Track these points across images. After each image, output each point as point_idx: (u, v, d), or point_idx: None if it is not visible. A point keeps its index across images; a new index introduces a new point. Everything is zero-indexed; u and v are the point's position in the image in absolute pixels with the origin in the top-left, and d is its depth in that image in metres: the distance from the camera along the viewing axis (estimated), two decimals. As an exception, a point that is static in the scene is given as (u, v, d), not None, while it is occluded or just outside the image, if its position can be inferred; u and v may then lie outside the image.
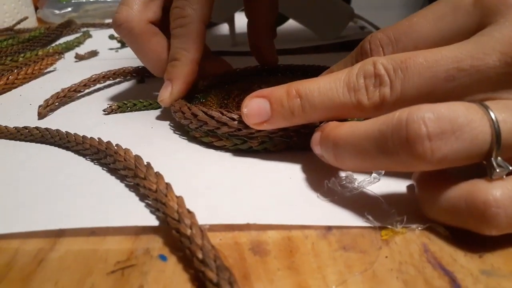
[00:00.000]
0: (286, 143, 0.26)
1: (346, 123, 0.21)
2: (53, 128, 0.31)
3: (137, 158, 0.23)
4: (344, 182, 0.22)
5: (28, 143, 0.30)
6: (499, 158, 0.17)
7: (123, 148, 0.24)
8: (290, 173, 0.24)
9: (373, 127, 0.19)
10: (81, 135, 0.28)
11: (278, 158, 0.26)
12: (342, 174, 0.23)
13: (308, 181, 0.23)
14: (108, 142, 0.25)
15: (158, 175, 0.21)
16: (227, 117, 0.26)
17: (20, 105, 0.38)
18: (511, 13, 0.19)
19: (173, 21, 0.31)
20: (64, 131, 0.29)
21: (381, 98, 0.20)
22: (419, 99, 0.20)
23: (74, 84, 0.38)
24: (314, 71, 0.37)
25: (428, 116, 0.17)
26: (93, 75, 0.40)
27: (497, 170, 0.17)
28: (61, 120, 0.34)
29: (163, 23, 0.33)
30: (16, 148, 0.29)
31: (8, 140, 0.31)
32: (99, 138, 0.26)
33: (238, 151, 0.27)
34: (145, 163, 0.22)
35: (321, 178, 0.23)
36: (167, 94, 0.31)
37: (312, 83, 0.22)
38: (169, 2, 0.33)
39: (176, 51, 0.31)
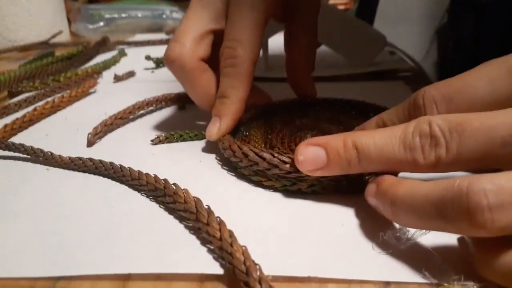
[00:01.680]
0: (335, 186, 0.27)
1: (404, 182, 0.21)
2: (103, 157, 0.32)
3: (198, 201, 0.24)
4: (398, 234, 0.23)
5: (81, 173, 0.31)
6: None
7: (181, 187, 0.26)
8: (342, 219, 0.25)
9: (434, 192, 0.19)
10: (136, 169, 0.29)
11: (327, 200, 0.27)
12: (396, 225, 0.24)
13: (361, 229, 0.24)
14: (166, 181, 0.26)
15: (221, 222, 0.22)
16: (278, 159, 0.27)
17: (67, 129, 0.39)
18: None
19: (223, 60, 0.32)
20: (118, 165, 0.30)
21: (437, 159, 0.21)
22: (474, 161, 0.21)
23: (120, 111, 0.39)
24: (352, 105, 0.38)
25: (489, 188, 0.18)
26: (137, 102, 0.41)
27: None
28: (109, 149, 0.35)
29: (212, 58, 0.35)
30: (71, 178, 0.31)
31: (62, 169, 0.32)
32: (155, 176, 0.28)
33: (287, 192, 0.28)
34: (206, 207, 0.23)
35: (373, 225, 0.24)
36: (215, 130, 0.32)
37: (368, 137, 0.23)
38: (218, 38, 0.34)
39: (225, 89, 0.32)
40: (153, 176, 0.28)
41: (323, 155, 0.24)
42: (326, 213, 0.26)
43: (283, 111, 0.39)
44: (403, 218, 0.21)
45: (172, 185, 0.26)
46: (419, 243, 0.22)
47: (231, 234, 0.21)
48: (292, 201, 0.27)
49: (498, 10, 0.58)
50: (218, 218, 0.22)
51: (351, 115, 0.37)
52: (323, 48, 0.56)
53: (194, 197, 0.24)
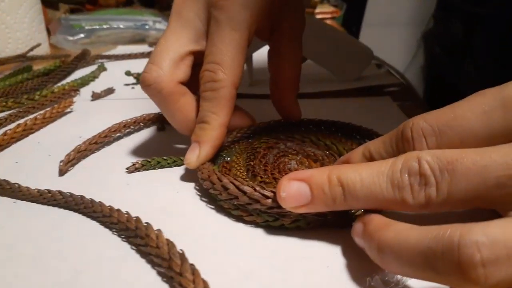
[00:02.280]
0: (320, 221, 0.25)
1: (392, 226, 0.20)
2: (75, 188, 0.30)
3: (171, 245, 0.22)
4: (386, 278, 0.21)
5: (51, 207, 0.29)
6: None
7: (153, 228, 0.24)
8: (327, 260, 0.23)
9: (423, 241, 0.18)
10: (109, 203, 0.27)
11: (312, 237, 0.25)
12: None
13: (347, 271, 0.22)
14: (138, 220, 0.25)
15: (194, 272, 0.20)
16: (260, 193, 0.25)
17: (39, 156, 0.37)
18: None
19: (203, 84, 0.31)
20: (89, 199, 0.28)
21: (427, 199, 0.20)
22: (466, 202, 0.19)
23: (94, 135, 0.37)
24: (338, 127, 0.37)
25: (482, 241, 0.16)
26: (113, 125, 0.39)
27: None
28: (82, 178, 0.33)
29: (192, 80, 0.33)
30: (39, 214, 0.28)
31: (30, 203, 0.30)
32: (127, 213, 0.26)
33: (269, 228, 0.26)
34: (179, 252, 0.22)
35: (361, 266, 0.22)
36: (193, 157, 0.30)
37: (355, 173, 0.22)
38: (199, 59, 0.33)
39: (205, 114, 0.30)
40: (125, 213, 0.26)
41: (306, 191, 0.23)
42: (311, 252, 0.24)
43: (268, 133, 0.37)
44: (390, 265, 0.20)
45: (144, 225, 0.24)
46: (409, 287, 0.21)
47: (205, 287, 0.19)
48: (275, 239, 0.25)
49: (486, 16, 0.57)
50: (192, 267, 0.21)
51: (337, 137, 0.36)
52: (308, 63, 0.55)
53: (167, 240, 0.23)
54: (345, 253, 0.24)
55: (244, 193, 0.26)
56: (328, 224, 0.26)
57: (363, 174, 0.21)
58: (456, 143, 0.21)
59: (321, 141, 0.35)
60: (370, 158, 0.25)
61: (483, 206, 0.20)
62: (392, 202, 0.21)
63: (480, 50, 0.59)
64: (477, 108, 0.21)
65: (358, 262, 0.23)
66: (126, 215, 0.25)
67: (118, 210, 0.26)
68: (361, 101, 0.49)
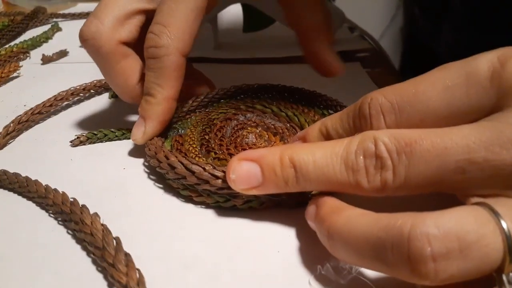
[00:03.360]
0: (274, 201, 0.24)
1: (343, 212, 0.18)
2: (14, 163, 0.28)
3: (106, 233, 0.20)
4: (339, 265, 0.20)
5: (-17, 185, 0.27)
6: (511, 273, 0.15)
7: (90, 212, 0.22)
8: (278, 244, 0.22)
9: (372, 230, 0.16)
10: (47, 181, 0.25)
11: (264, 218, 0.23)
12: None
13: (299, 256, 0.21)
14: (74, 202, 0.22)
15: (129, 263, 0.18)
16: (210, 173, 0.23)
17: (-23, 126, 0.34)
18: None
19: (146, 48, 0.27)
20: (23, 177, 0.25)
21: (383, 183, 0.18)
22: (425, 187, 0.18)
23: (38, 105, 0.34)
24: (302, 95, 0.35)
25: (433, 234, 0.15)
26: (59, 93, 0.36)
27: (508, 287, 0.15)
28: (21, 152, 0.30)
29: (141, 42, 0.30)
30: (-31, 193, 0.26)
31: (-41, 181, 0.27)
32: (63, 194, 0.23)
33: (219, 209, 0.24)
34: (114, 240, 0.20)
35: (313, 251, 0.21)
36: (139, 133, 0.28)
37: (308, 154, 0.20)
38: (151, 18, 0.29)
39: (150, 85, 0.27)
40: (61, 193, 0.23)
41: (257, 172, 0.21)
42: (262, 236, 0.22)
43: (227, 102, 0.34)
44: (339, 253, 0.18)
45: (79, 208, 0.22)
46: (361, 276, 0.19)
47: (139, 281, 0.18)
48: (224, 222, 0.23)
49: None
50: (126, 257, 0.19)
51: (300, 106, 0.34)
52: (276, 25, 0.52)
53: (102, 226, 0.21)
54: (298, 236, 0.22)
55: (193, 172, 0.24)
56: (282, 204, 0.24)
57: (316, 154, 0.20)
58: (416, 122, 0.19)
59: (283, 112, 0.33)
60: (327, 135, 0.23)
61: (442, 191, 0.18)
62: (346, 185, 0.19)
63: (458, 12, 0.56)
64: (439, 83, 0.19)
65: (311, 247, 0.21)
66: (61, 196, 0.23)
67: (55, 190, 0.24)
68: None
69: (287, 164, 0.20)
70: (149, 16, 0.30)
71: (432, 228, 0.15)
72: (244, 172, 0.21)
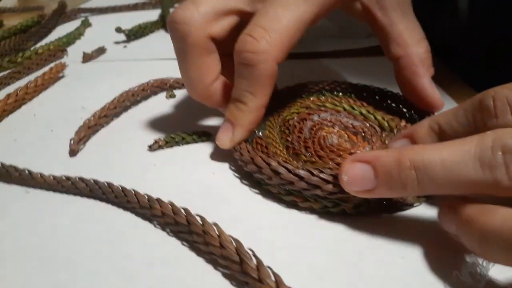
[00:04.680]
0: (383, 206, 0.24)
1: (496, 212, 0.18)
2: (91, 170, 0.27)
3: (239, 245, 0.19)
4: (472, 270, 0.20)
5: (71, 196, 0.26)
6: None
7: (208, 221, 0.21)
8: (400, 250, 0.21)
9: None
10: (139, 189, 0.24)
11: (377, 223, 0.23)
12: (467, 257, 0.20)
13: (426, 262, 0.21)
14: (188, 212, 0.22)
15: (277, 278, 0.18)
16: (319, 178, 0.23)
17: (40, 131, 0.33)
18: None
19: (241, 52, 0.26)
20: (119, 186, 0.25)
21: None
22: None
23: (103, 107, 0.33)
24: (369, 92, 0.34)
25: None
26: (121, 94, 0.35)
27: None
28: (97, 158, 0.29)
29: (227, 42, 0.28)
30: (59, 205, 0.25)
31: (46, 191, 0.26)
32: (171, 204, 0.23)
33: (328, 214, 0.24)
34: (251, 254, 0.19)
35: (440, 256, 0.21)
36: (227, 139, 0.27)
37: (433, 153, 0.19)
38: (245, 23, 0.28)
39: (242, 93, 0.27)
40: (169, 204, 0.23)
41: (372, 175, 0.21)
42: (380, 242, 0.22)
43: (293, 100, 0.34)
44: (495, 255, 0.18)
45: (198, 218, 0.21)
46: (494, 278, 0.19)
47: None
48: (338, 228, 0.23)
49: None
50: (271, 273, 0.18)
51: (370, 103, 0.33)
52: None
53: (232, 238, 0.20)
54: (419, 240, 0.22)
55: (301, 178, 0.23)
56: (390, 209, 0.24)
57: (444, 154, 0.19)
58: None
59: (356, 110, 0.33)
60: (439, 132, 0.22)
61: None
62: (481, 185, 0.18)
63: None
64: None
65: (436, 250, 0.21)
66: (170, 206, 0.23)
67: (159, 200, 0.23)
68: (373, 61, 0.47)
69: (407, 166, 0.20)
70: (244, 18, 0.28)
71: None
72: (358, 174, 0.21)
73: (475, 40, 0.41)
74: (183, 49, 0.27)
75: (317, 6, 0.26)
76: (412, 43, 0.29)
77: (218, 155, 0.29)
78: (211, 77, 0.28)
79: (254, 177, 0.26)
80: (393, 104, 0.33)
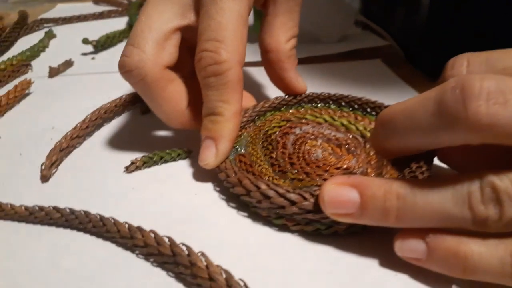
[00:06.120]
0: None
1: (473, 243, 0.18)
2: (64, 197, 0.26)
3: (229, 276, 0.18)
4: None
5: (45, 226, 0.24)
6: None
7: (194, 251, 0.20)
8: (394, 267, 0.21)
9: None
10: (117, 217, 0.23)
11: (368, 241, 0.22)
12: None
13: (420, 280, 0.20)
14: (172, 242, 0.21)
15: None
16: (312, 202, 0.22)
17: (7, 155, 0.31)
18: None
19: (204, 68, 0.26)
20: (97, 215, 0.23)
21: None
22: None
23: (75, 128, 0.31)
24: (347, 102, 0.34)
25: None
26: (92, 113, 0.33)
27: None
28: (71, 183, 0.28)
29: (179, 61, 0.28)
30: (32, 237, 0.23)
31: (17, 223, 0.24)
32: (154, 233, 0.22)
33: (319, 236, 0.23)
34: (243, 284, 0.18)
35: (431, 273, 0.20)
36: (211, 156, 0.26)
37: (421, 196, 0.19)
38: (186, 34, 0.28)
39: (215, 104, 0.26)
40: (151, 233, 0.22)
41: (356, 199, 0.20)
42: (373, 260, 0.21)
43: (274, 115, 0.33)
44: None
45: (183, 248, 0.20)
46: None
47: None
48: (328, 248, 0.22)
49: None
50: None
51: (351, 113, 0.33)
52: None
53: (221, 269, 0.19)
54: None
55: (293, 202, 0.22)
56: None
57: (435, 195, 0.19)
58: None
59: (337, 121, 0.32)
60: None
61: None
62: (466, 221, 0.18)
63: None
64: None
65: (429, 269, 0.21)
66: (153, 235, 0.21)
67: (140, 228, 0.22)
68: (350, 65, 0.47)
69: (393, 195, 0.20)
70: (183, 33, 0.28)
71: None
72: (344, 197, 0.20)
73: (435, 35, 0.43)
74: (147, 89, 0.27)
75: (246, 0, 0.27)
76: (284, 40, 0.32)
77: (201, 174, 0.28)
78: (184, 102, 0.28)
79: (241, 199, 0.25)
80: (373, 113, 0.33)
